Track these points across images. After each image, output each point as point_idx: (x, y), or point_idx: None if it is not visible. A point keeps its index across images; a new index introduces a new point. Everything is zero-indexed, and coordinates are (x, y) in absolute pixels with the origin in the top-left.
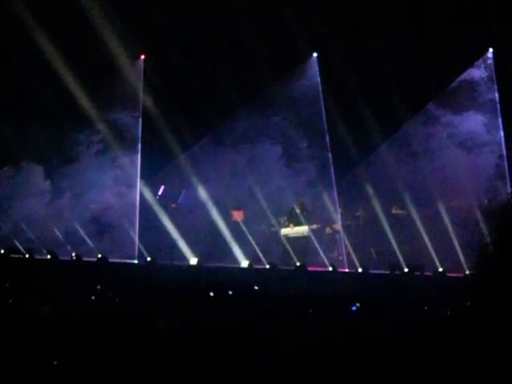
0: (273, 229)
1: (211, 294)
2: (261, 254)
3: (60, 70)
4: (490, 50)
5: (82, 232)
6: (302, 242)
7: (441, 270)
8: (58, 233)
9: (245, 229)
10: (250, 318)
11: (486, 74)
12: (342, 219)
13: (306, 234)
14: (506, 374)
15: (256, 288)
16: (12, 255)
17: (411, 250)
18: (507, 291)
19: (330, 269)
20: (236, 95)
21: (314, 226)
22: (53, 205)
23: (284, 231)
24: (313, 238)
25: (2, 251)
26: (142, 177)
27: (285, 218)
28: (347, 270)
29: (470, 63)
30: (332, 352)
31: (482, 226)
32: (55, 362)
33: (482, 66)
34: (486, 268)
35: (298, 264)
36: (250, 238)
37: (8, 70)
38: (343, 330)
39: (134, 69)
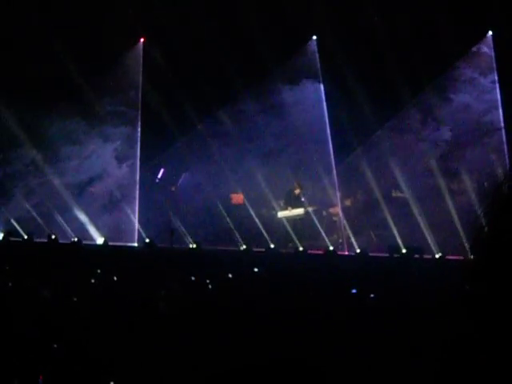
0: (273, 212)
1: (211, 276)
2: (261, 237)
3: (58, 54)
4: (490, 32)
5: (81, 215)
6: (298, 223)
7: (440, 253)
8: (57, 216)
9: (244, 212)
10: (250, 301)
11: (486, 56)
12: (342, 202)
13: (302, 215)
14: (506, 357)
15: (256, 270)
16: (12, 239)
17: (410, 232)
18: (504, 273)
19: (330, 251)
20: (236, 78)
21: (311, 208)
22: (52, 188)
23: (281, 214)
24: (311, 219)
25: (2, 235)
26: (142, 159)
27: (283, 201)
28: (347, 253)
29: (469, 46)
30: (332, 334)
31: (480, 207)
32: (55, 345)
33: (482, 48)
34: (482, 249)
35: (297, 247)
36: (249, 220)
37: (7, 56)
38: (343, 312)
39: (134, 52)
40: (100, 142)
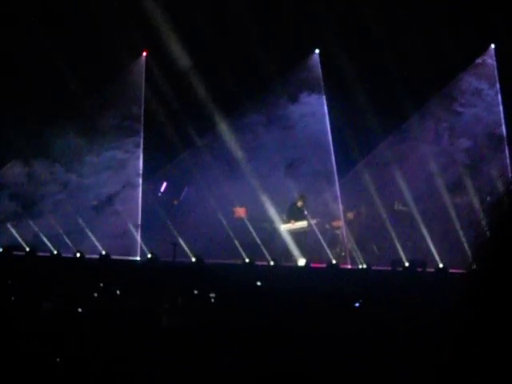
0: (275, 225)
1: (214, 291)
2: (263, 251)
3: (60, 66)
4: (492, 45)
5: (84, 228)
6: (301, 236)
7: (442, 266)
8: (60, 229)
9: (247, 226)
10: (253, 315)
11: (491, 67)
12: (344, 215)
13: (305, 228)
14: (506, 368)
15: (258, 284)
16: (14, 252)
17: (413, 246)
18: (505, 285)
19: (333, 265)
20: (238, 91)
21: (314, 221)
22: (55, 201)
23: (284, 227)
24: (313, 232)
25: (4, 248)
26: (145, 173)
27: (285, 214)
28: (349, 267)
29: (471, 59)
30: (335, 347)
31: (483, 221)
32: (58, 359)
33: (486, 60)
34: (484, 262)
35: (300, 260)
36: (252, 234)
37: (10, 69)
38: (346, 325)
39: (136, 65)
40: (102, 155)
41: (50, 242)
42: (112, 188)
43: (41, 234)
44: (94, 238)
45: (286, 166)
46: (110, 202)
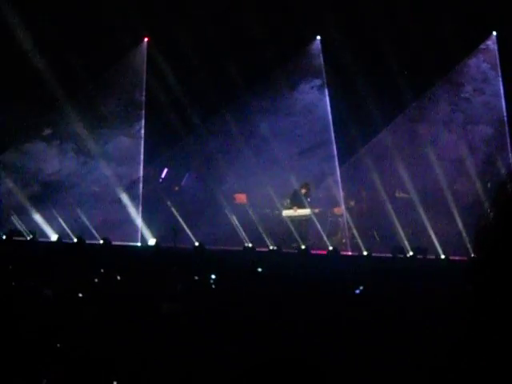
0: (276, 212)
1: (214, 276)
2: (264, 237)
3: (62, 52)
4: (494, 33)
5: (84, 214)
6: (303, 224)
7: (443, 253)
8: (59, 216)
9: (248, 211)
10: (253, 301)
11: (490, 57)
12: (346, 202)
13: (308, 216)
14: (507, 357)
15: (259, 270)
16: (15, 238)
17: (414, 233)
18: (506, 271)
19: (333, 251)
20: (240, 77)
21: (317, 210)
22: (55, 188)
23: (286, 213)
24: (315, 221)
25: (5, 234)
26: (146, 159)
27: (288, 200)
28: (350, 253)
29: (473, 46)
30: (335, 334)
31: (484, 208)
32: (58, 345)
33: (486, 49)
34: (485, 249)
35: (301, 247)
36: (253, 220)
37: (11, 55)
38: (346, 312)
39: (138, 51)
40: (102, 141)
41: (53, 230)
42: (113, 174)
43: (41, 221)
44: (95, 225)
45: (300, 152)
46: (111, 188)
